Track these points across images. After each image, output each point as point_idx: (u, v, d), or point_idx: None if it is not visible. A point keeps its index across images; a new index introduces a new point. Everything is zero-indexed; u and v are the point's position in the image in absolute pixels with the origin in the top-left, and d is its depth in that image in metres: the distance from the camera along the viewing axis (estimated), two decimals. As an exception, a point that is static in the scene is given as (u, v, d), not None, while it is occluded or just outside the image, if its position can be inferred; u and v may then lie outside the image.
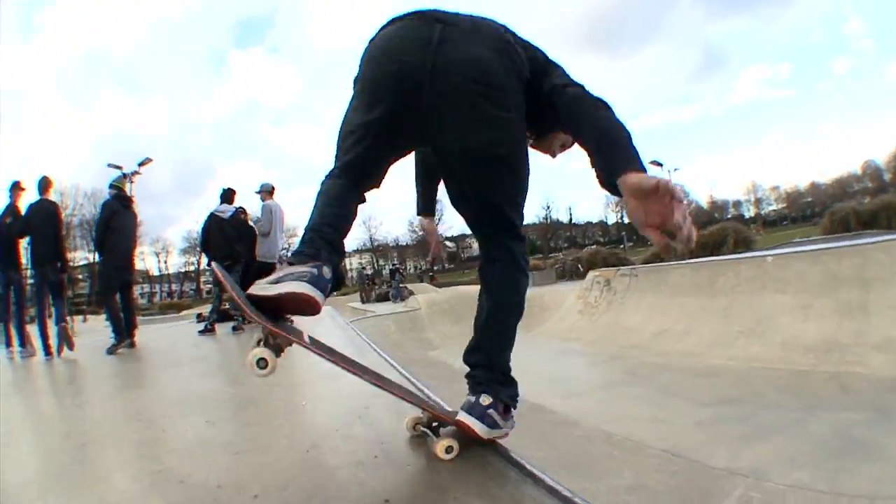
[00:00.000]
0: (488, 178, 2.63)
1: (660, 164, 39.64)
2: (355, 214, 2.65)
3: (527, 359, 11.13)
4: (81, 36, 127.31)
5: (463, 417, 2.77)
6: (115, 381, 6.92)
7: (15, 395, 6.39)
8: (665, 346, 10.38)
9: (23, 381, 7.59)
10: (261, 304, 2.22)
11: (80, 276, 76.75)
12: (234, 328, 10.96)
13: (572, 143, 2.89)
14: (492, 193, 2.71)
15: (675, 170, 41.55)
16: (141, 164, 35.67)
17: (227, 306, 12.38)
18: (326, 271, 2.31)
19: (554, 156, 3.11)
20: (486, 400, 2.84)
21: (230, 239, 11.03)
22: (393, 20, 2.53)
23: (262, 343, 2.27)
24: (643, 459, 5.55)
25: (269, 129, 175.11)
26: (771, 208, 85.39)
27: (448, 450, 2.72)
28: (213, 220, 11.13)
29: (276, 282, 2.22)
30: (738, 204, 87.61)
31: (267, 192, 11.69)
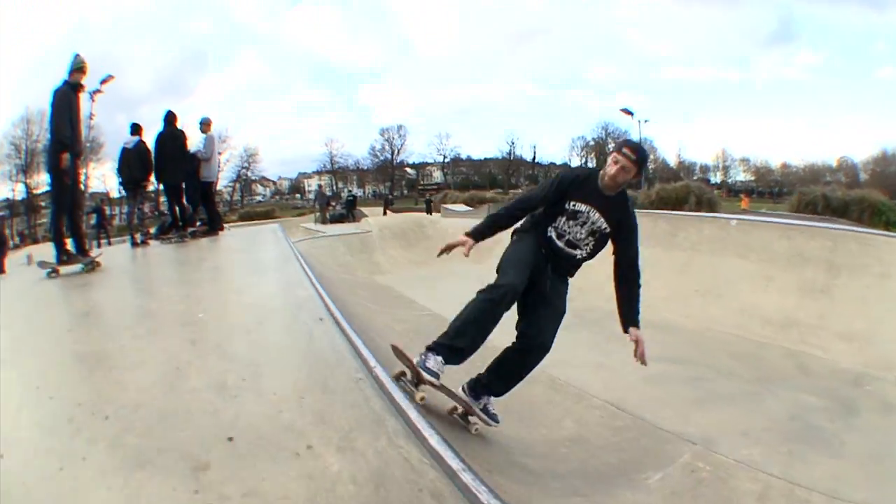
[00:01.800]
0: None
1: (630, 113, 39.26)
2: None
3: (471, 289, 11.03)
4: None
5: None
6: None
7: None
8: None
9: None
10: None
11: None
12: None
13: None
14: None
15: (645, 121, 41.24)
16: (103, 82, 32.50)
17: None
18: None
19: None
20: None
21: (133, 167, 12.27)
22: None
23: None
24: (586, 410, 5.43)
25: (285, 11, 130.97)
26: (738, 179, 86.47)
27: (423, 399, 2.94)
28: (122, 152, 12.51)
29: None
30: (705, 168, 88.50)
31: (206, 124, 13.18)
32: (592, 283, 10.60)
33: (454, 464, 2.36)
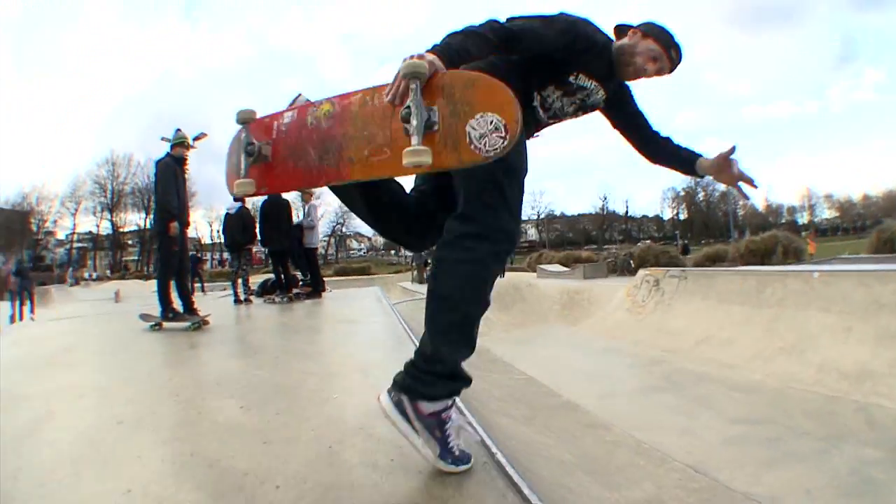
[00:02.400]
0: None
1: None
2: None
3: (566, 354, 11.46)
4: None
5: None
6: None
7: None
8: (706, 354, 10.49)
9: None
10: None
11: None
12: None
13: None
14: None
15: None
16: (196, 139, 34.63)
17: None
18: None
19: None
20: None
21: (235, 232, 13.46)
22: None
23: None
24: (666, 473, 5.78)
25: (373, 71, 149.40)
26: (824, 217, 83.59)
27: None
28: (225, 218, 13.84)
29: None
30: (792, 210, 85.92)
31: (308, 193, 14.04)
32: (681, 346, 11.08)
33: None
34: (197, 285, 25.87)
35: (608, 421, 7.05)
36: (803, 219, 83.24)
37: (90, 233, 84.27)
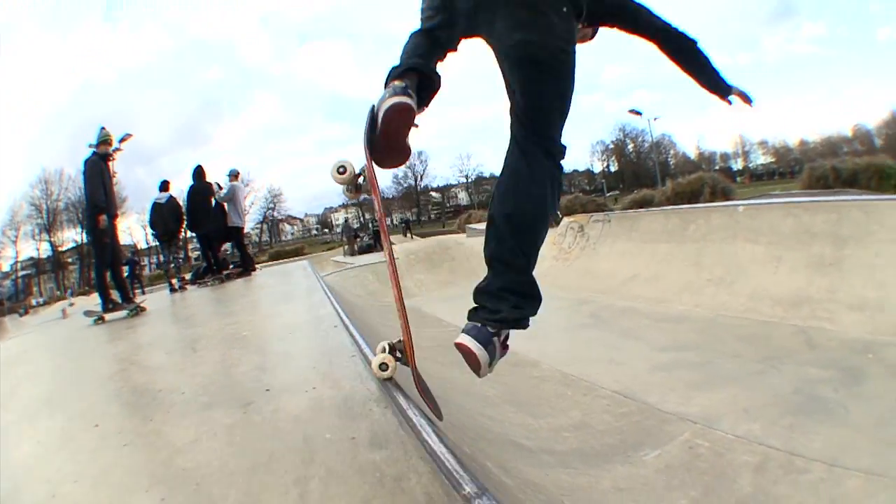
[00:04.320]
0: (523, 80, 2.92)
1: (639, 113, 39.21)
2: (439, 60, 3.09)
3: None
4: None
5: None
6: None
7: None
8: (634, 292, 10.51)
9: None
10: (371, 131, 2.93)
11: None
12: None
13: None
14: (528, 98, 2.94)
15: (655, 118, 41.18)
16: (122, 141, 33.04)
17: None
18: (412, 85, 2.83)
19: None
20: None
21: (167, 220, 13.76)
22: None
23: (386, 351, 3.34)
24: (593, 400, 5.67)
25: (295, 50, 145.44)
26: (759, 163, 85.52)
27: (382, 367, 3.27)
28: (154, 207, 14.02)
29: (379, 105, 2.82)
30: (725, 157, 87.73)
31: (234, 175, 14.84)
32: (608, 286, 11.04)
33: (403, 402, 2.96)
34: (138, 291, 25.48)
35: (536, 359, 7.02)
36: (738, 165, 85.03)
37: (32, 258, 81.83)
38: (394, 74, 2.84)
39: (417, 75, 2.88)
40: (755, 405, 5.27)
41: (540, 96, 2.89)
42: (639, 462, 4.28)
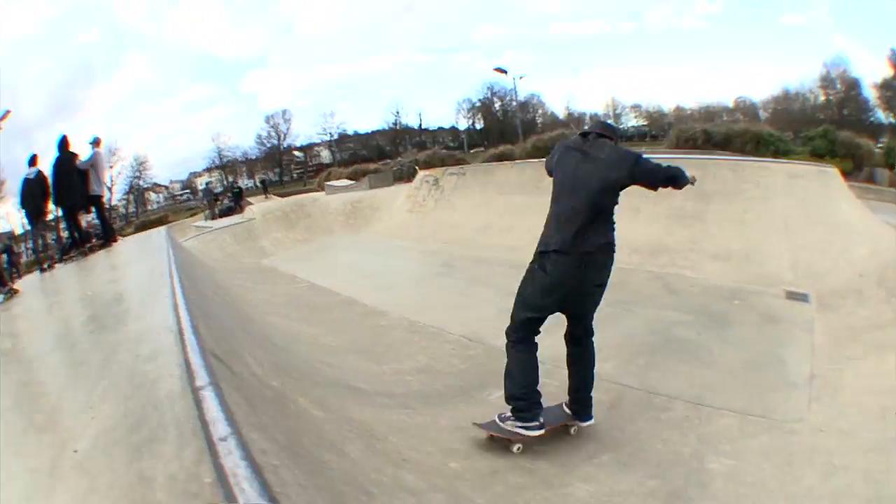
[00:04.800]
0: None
1: (504, 71, 39.62)
2: None
3: (349, 258, 11.19)
4: None
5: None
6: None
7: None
8: (486, 241, 10.47)
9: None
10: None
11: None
12: None
13: None
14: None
15: (521, 77, 41.62)
16: (1, 119, 29.76)
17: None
18: None
19: None
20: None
21: (36, 197, 12.72)
22: None
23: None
24: (440, 345, 5.54)
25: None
26: (631, 125, 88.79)
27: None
28: (24, 183, 12.94)
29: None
30: (595, 117, 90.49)
31: (96, 143, 13.84)
32: (461, 237, 10.99)
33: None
34: (17, 278, 24.02)
35: (385, 309, 6.89)
36: None
37: None
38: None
39: None
40: (610, 344, 5.07)
41: None
42: (482, 401, 4.15)
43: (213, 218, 31.83)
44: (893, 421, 3.70)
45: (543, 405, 3.70)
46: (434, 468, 3.12)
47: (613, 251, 4.06)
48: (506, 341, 3.96)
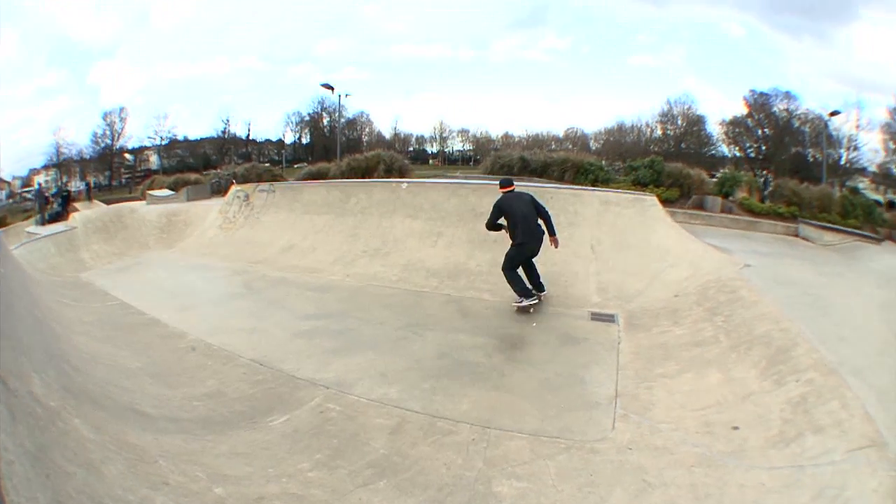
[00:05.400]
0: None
1: (331, 88, 39.53)
2: None
3: (157, 276, 10.91)
4: None
5: None
6: None
7: None
8: (289, 262, 10.55)
9: None
10: None
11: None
12: None
13: None
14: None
15: (346, 95, 41.57)
16: None
17: None
18: None
19: None
20: None
21: None
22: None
23: None
24: (231, 369, 5.61)
25: None
26: (457, 149, 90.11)
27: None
28: None
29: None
30: (421, 139, 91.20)
31: None
32: (266, 256, 11.09)
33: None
34: None
35: (184, 331, 6.86)
36: (433, 148, 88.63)
37: None
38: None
39: None
40: (395, 369, 5.43)
41: None
42: (265, 427, 4.25)
43: (43, 223, 29.83)
44: (722, 435, 3.98)
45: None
46: (195, 493, 3.18)
47: (543, 235, 7.33)
48: (505, 272, 7.27)
